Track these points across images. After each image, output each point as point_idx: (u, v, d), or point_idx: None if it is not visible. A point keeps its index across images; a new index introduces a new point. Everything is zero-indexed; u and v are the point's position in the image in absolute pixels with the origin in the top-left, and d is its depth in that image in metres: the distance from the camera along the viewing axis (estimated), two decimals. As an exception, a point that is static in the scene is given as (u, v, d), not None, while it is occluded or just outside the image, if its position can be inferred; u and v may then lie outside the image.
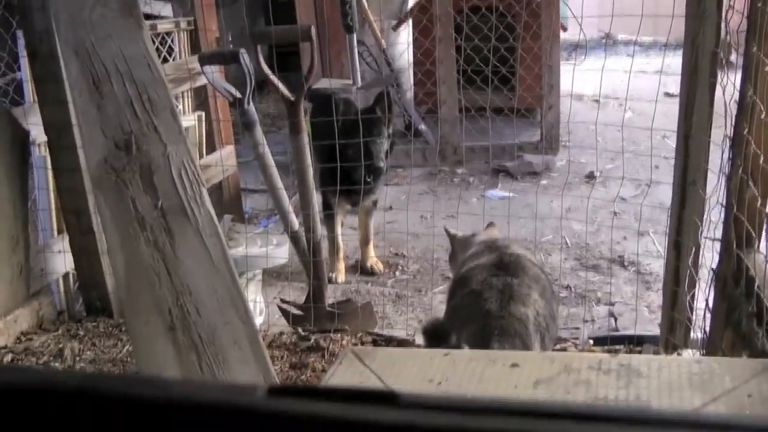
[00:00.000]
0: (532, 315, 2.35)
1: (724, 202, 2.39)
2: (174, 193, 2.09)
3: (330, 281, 4.26)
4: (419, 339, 3.49)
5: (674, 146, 2.89)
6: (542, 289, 2.46)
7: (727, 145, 2.39)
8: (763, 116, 2.00)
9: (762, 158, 2.06)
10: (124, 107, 2.25)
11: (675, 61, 2.98)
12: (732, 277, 2.26)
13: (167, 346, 1.90)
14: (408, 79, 7.19)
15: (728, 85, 2.48)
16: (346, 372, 1.64)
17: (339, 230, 4.61)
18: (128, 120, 2.22)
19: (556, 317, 2.57)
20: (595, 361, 1.57)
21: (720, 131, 2.53)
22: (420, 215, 5.32)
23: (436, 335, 2.28)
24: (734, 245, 2.24)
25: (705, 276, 2.86)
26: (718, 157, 2.58)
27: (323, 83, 3.88)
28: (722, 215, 2.48)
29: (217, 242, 2.05)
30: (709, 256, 2.84)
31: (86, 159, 2.20)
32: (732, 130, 2.32)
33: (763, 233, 2.24)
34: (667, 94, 6.51)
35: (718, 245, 2.54)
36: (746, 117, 2.14)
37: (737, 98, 2.31)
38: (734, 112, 2.35)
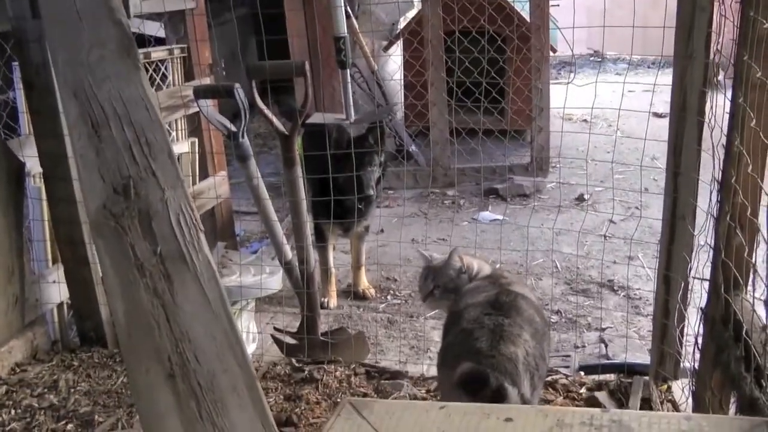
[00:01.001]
0: (521, 354, 2.37)
1: (712, 244, 2.43)
2: (172, 239, 2.11)
3: (322, 306, 4.30)
4: (411, 368, 3.53)
5: (663, 166, 2.95)
6: (534, 331, 2.48)
7: (715, 187, 2.43)
8: (750, 169, 2.05)
9: (749, 209, 2.11)
10: (122, 151, 2.27)
11: (662, 79, 3.03)
12: (720, 319, 2.30)
13: (167, 394, 1.91)
14: (399, 99, 7.24)
15: (717, 118, 2.54)
16: (345, 425, 1.68)
17: (331, 258, 4.65)
18: (126, 164, 2.24)
19: (547, 358, 2.59)
20: (587, 416, 1.61)
21: (709, 157, 2.57)
22: (411, 238, 5.36)
23: (476, 381, 2.28)
24: (722, 288, 2.28)
25: (694, 310, 2.91)
26: (707, 191, 2.63)
27: (317, 117, 3.91)
28: (710, 255, 2.52)
29: (215, 287, 2.08)
30: (698, 292, 2.88)
31: (85, 205, 2.22)
32: (720, 174, 2.37)
33: (750, 280, 2.28)
34: (656, 115, 6.56)
35: (706, 284, 2.58)
36: (733, 165, 2.19)
37: (724, 142, 2.35)
38: (721, 156, 2.39)
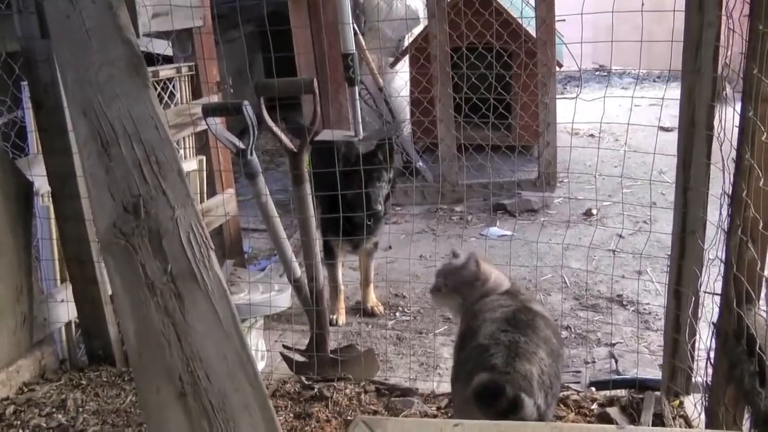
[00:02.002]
0: (536, 372, 2.36)
1: (724, 258, 2.42)
2: (183, 258, 2.11)
3: (331, 323, 4.29)
4: (421, 385, 3.52)
5: (670, 180, 2.94)
6: (550, 350, 2.46)
7: (726, 201, 2.42)
8: (761, 183, 2.04)
9: (761, 223, 2.10)
10: (132, 170, 2.28)
11: (668, 93, 3.02)
12: (733, 333, 2.28)
13: (179, 413, 1.91)
14: (406, 116, 7.26)
15: (726, 132, 2.54)
16: (357, 443, 1.67)
17: (340, 275, 4.65)
18: (136, 183, 2.25)
19: (561, 376, 2.57)
20: (602, 433, 1.60)
21: (718, 170, 2.57)
22: (420, 255, 5.36)
23: (493, 392, 2.26)
24: (734, 303, 2.27)
25: (704, 324, 2.89)
26: (716, 205, 2.63)
27: (326, 134, 3.91)
28: (721, 269, 2.51)
29: (226, 306, 2.08)
30: (709, 306, 2.87)
31: (95, 223, 2.23)
32: (730, 188, 2.36)
33: (762, 294, 2.27)
34: (663, 128, 6.53)
35: (717, 299, 2.56)
36: (744, 179, 2.18)
37: (734, 156, 2.34)
38: (732, 169, 2.38)
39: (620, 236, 5.42)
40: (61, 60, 2.67)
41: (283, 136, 3.38)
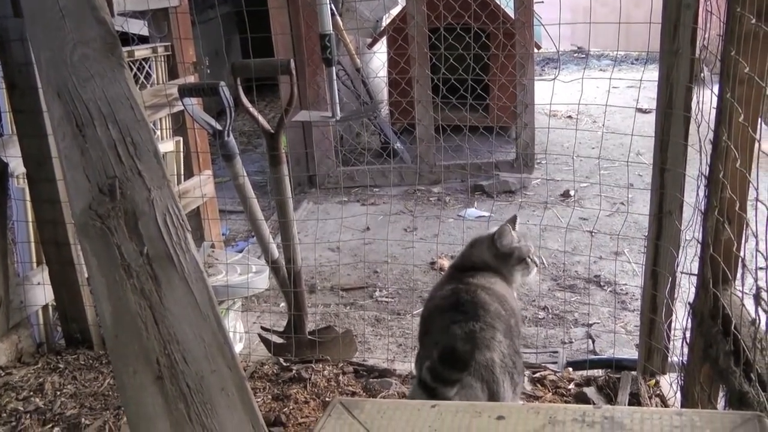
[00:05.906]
0: (498, 358, 2.33)
1: (700, 239, 2.43)
2: (159, 240, 2.10)
3: None
4: (399, 366, 3.52)
5: (647, 162, 2.95)
6: (505, 327, 2.42)
7: (703, 182, 2.44)
8: (738, 164, 2.05)
9: (737, 204, 2.12)
10: (107, 151, 2.25)
11: (646, 75, 3.03)
12: (709, 313, 2.30)
13: (156, 396, 1.90)
14: (383, 97, 7.24)
15: (703, 114, 2.55)
16: (336, 424, 1.67)
17: None
18: (112, 164, 2.23)
19: (520, 347, 2.54)
20: (579, 413, 1.60)
21: (695, 152, 2.58)
22: (403, 228, 5.37)
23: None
24: (711, 283, 2.28)
25: (681, 305, 2.92)
26: (693, 186, 2.64)
27: (303, 115, 3.88)
28: (698, 250, 2.53)
29: (203, 288, 2.06)
30: (685, 286, 2.89)
31: (71, 205, 2.20)
32: (707, 169, 2.37)
33: (738, 274, 2.29)
34: (640, 110, 6.56)
35: (694, 279, 2.58)
36: (721, 160, 2.19)
37: (711, 138, 2.35)
38: (709, 151, 2.40)
39: (597, 218, 5.44)
40: (35, 39, 2.63)
41: (260, 117, 3.36)
